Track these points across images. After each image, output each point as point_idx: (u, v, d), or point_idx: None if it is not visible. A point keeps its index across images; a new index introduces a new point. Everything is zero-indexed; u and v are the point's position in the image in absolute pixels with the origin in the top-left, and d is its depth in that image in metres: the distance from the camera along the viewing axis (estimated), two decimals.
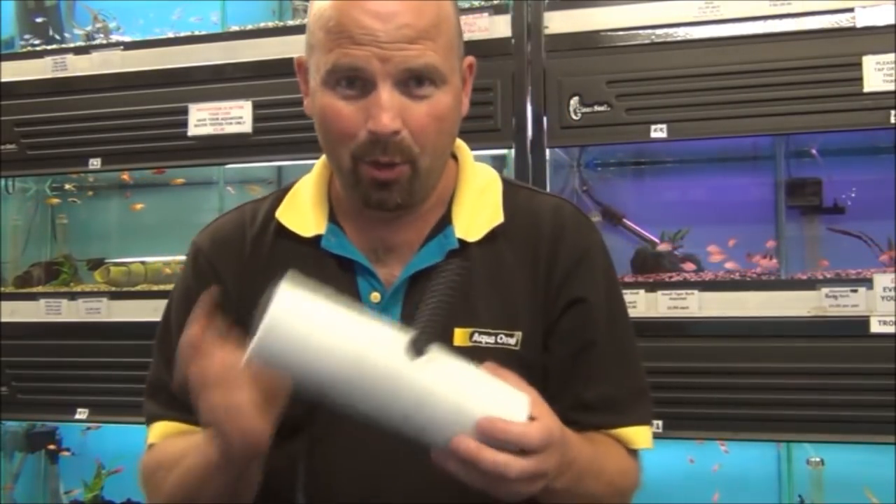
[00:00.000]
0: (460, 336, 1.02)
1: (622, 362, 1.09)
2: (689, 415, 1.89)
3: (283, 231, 1.09)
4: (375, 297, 1.04)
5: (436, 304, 0.77)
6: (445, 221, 1.07)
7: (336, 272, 1.05)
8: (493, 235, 1.06)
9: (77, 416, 2.31)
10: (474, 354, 0.97)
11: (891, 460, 1.99)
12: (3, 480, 2.72)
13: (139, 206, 2.67)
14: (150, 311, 2.29)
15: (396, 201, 0.99)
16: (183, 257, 2.63)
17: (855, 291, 1.85)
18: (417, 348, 0.78)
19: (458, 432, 0.78)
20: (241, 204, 1.16)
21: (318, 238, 1.07)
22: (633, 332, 1.13)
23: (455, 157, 1.13)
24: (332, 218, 1.09)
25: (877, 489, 2.08)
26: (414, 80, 0.96)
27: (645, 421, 1.09)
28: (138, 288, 2.47)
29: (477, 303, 1.03)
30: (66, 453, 2.76)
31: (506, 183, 1.12)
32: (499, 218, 1.07)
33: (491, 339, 1.03)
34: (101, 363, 2.30)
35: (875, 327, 1.84)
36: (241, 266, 1.09)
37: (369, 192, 0.99)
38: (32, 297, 2.42)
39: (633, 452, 1.09)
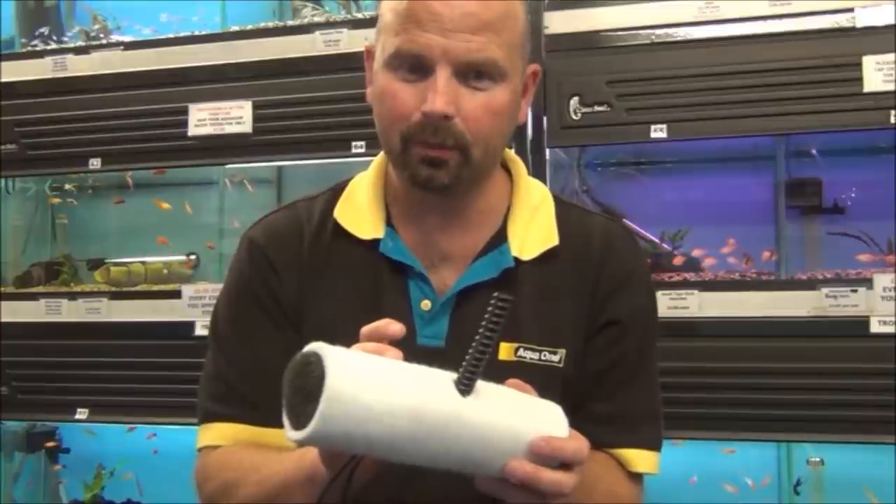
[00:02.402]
0: (505, 350, 1.03)
1: (639, 384, 1.10)
2: (688, 415, 1.89)
3: (340, 231, 1.09)
4: (426, 304, 1.05)
5: (482, 340, 0.76)
6: (501, 237, 1.08)
7: (389, 276, 1.06)
8: (545, 255, 1.07)
9: (77, 416, 2.31)
10: (518, 370, 0.99)
11: (891, 460, 1.99)
12: (4, 480, 2.72)
13: (165, 206, 2.65)
14: (150, 311, 2.29)
15: (444, 181, 0.99)
16: (182, 257, 2.67)
17: (855, 291, 1.85)
18: (467, 387, 0.77)
19: (511, 457, 0.79)
20: (292, 201, 1.16)
21: (375, 241, 1.07)
22: (658, 359, 1.13)
23: (509, 172, 1.14)
24: (389, 221, 1.09)
25: (877, 489, 2.08)
26: (473, 73, 0.97)
27: (650, 445, 1.09)
28: (138, 288, 2.47)
29: (524, 319, 1.04)
30: (58, 466, 2.77)
31: (557, 200, 1.13)
32: (554, 240, 1.08)
33: (535, 356, 1.04)
34: (101, 363, 2.30)
35: (875, 327, 1.84)
36: (300, 264, 1.09)
37: (418, 168, 0.99)
38: (32, 297, 2.42)
39: (636, 476, 1.09)
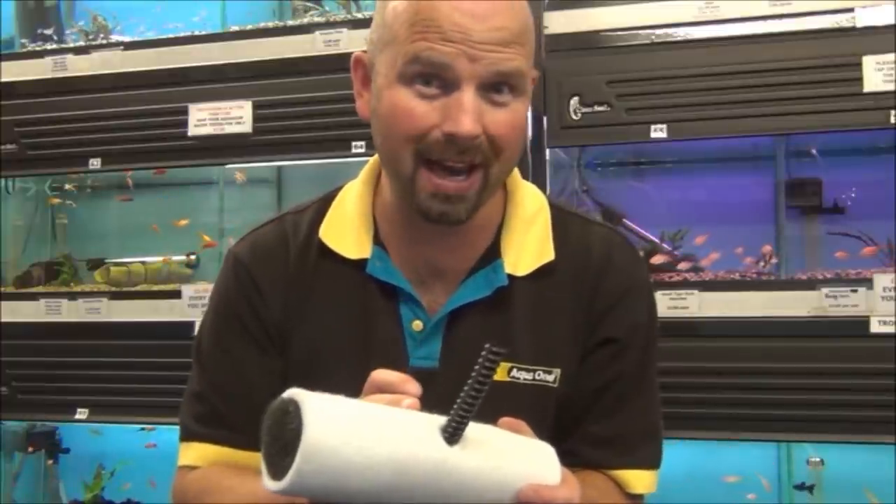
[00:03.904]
0: (499, 371, 0.96)
1: (638, 403, 1.06)
2: (688, 415, 1.89)
3: (326, 250, 1.05)
4: (417, 325, 1.01)
5: (471, 392, 0.73)
6: (494, 252, 1.03)
7: (378, 298, 1.02)
8: (541, 270, 1.03)
9: (77, 416, 2.31)
10: (511, 391, 0.98)
11: (891, 460, 1.99)
12: (4, 480, 2.72)
13: (184, 222, 2.63)
14: (150, 311, 2.29)
15: (461, 217, 0.94)
16: (182, 257, 2.68)
17: (855, 291, 1.85)
18: (454, 437, 0.75)
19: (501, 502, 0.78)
20: (280, 214, 1.11)
21: (362, 261, 1.03)
22: (657, 376, 1.09)
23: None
24: (377, 239, 1.04)
25: (877, 489, 2.08)
26: (494, 87, 0.92)
27: (648, 465, 1.06)
28: (138, 288, 2.47)
29: (518, 337, 1.01)
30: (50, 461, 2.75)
31: (554, 209, 1.08)
32: (549, 255, 1.04)
33: (529, 376, 1.01)
34: (101, 363, 2.30)
35: (875, 327, 1.84)
36: (286, 284, 1.05)
37: (430, 203, 0.93)
38: (32, 297, 2.42)
39: (634, 496, 1.05)
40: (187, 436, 1.08)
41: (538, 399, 1.00)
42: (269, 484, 0.71)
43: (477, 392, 0.73)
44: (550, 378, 1.02)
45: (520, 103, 0.94)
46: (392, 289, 1.02)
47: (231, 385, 1.06)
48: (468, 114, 0.89)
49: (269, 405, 0.72)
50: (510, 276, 1.02)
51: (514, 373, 1.00)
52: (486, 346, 0.72)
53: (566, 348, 1.03)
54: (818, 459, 2.14)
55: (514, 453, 0.80)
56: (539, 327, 1.02)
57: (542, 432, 0.89)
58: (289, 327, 1.05)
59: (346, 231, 1.05)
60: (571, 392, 1.03)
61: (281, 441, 0.71)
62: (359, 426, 0.72)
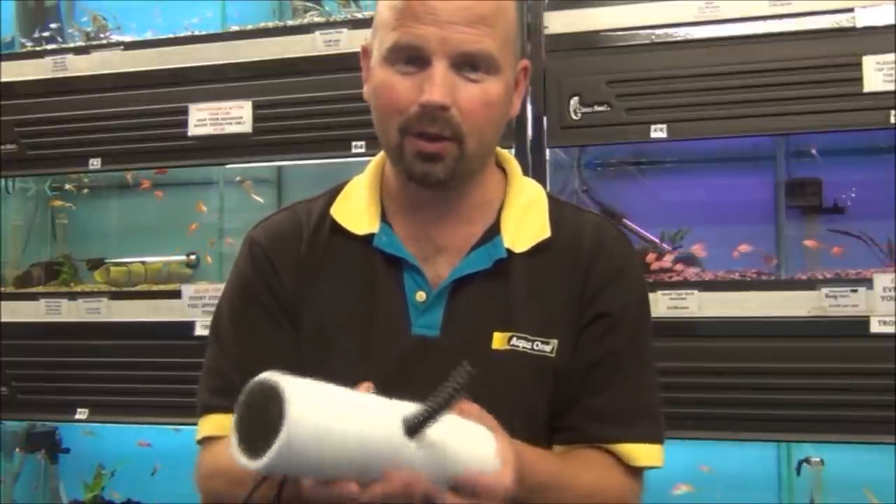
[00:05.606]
0: (499, 340, 1.06)
1: (634, 379, 1.11)
2: (689, 415, 1.89)
3: (336, 228, 1.12)
4: (421, 296, 1.07)
5: (439, 402, 0.79)
6: (494, 230, 1.10)
7: (384, 269, 1.09)
8: (538, 248, 1.10)
9: (77, 416, 2.31)
10: (511, 358, 1.05)
11: (891, 460, 1.99)
12: (3, 480, 2.72)
13: (203, 208, 2.66)
14: (150, 311, 2.30)
15: (440, 176, 1.02)
16: (182, 257, 2.67)
17: (855, 291, 1.85)
18: (414, 431, 0.80)
19: (447, 488, 0.85)
20: (292, 203, 1.19)
21: (370, 236, 1.10)
22: (654, 355, 1.14)
23: (503, 170, 1.17)
24: (384, 218, 1.12)
25: (877, 489, 2.08)
26: (469, 65, 1.00)
27: (648, 438, 1.09)
28: (138, 288, 2.47)
29: (517, 309, 1.07)
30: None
31: (551, 199, 1.16)
32: (546, 233, 1.11)
33: (528, 345, 1.07)
34: (101, 363, 2.31)
35: (875, 327, 1.84)
36: (298, 262, 1.12)
37: (414, 164, 1.02)
38: (32, 297, 2.42)
39: (636, 471, 1.09)
40: (203, 410, 1.12)
41: (537, 369, 1.05)
42: (240, 458, 0.75)
43: (444, 403, 0.78)
44: (548, 349, 1.07)
45: (495, 81, 1.02)
46: (397, 261, 1.09)
47: (248, 359, 1.08)
48: (437, 86, 0.98)
49: (251, 383, 0.77)
50: (509, 252, 1.09)
51: (514, 341, 1.06)
52: (462, 363, 0.78)
53: (562, 322, 1.08)
54: (818, 459, 2.14)
55: (460, 445, 0.86)
56: (536, 301, 1.08)
57: (542, 405, 1.01)
58: (300, 303, 1.11)
59: (356, 209, 1.13)
60: (568, 368, 1.08)
61: (259, 422, 0.74)
62: (334, 417, 0.77)
